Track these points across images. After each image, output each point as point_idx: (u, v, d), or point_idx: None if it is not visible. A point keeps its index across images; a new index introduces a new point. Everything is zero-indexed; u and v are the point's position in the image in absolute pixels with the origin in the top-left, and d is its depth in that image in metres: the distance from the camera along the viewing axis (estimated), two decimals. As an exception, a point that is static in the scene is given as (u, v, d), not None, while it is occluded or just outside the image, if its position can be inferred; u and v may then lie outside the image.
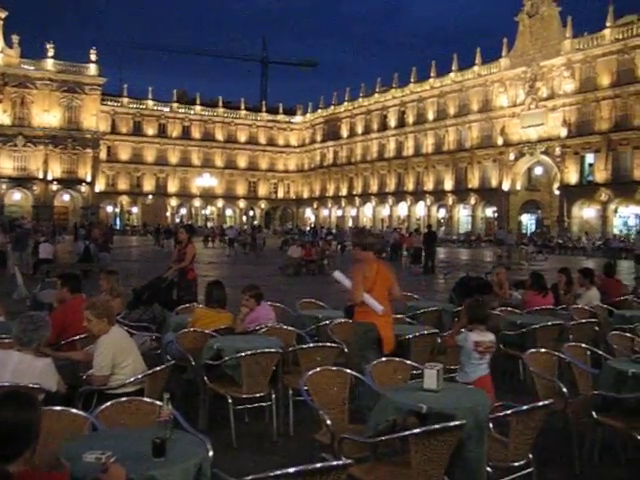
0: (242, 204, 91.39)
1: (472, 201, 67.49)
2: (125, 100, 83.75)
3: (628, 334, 7.36)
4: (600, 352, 7.08)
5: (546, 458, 5.50)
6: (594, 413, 5.48)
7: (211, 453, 3.73)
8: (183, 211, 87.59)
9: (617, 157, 54.47)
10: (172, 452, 3.37)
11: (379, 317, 6.54)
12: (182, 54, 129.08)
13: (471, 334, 5.56)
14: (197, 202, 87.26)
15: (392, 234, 42.22)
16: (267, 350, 6.23)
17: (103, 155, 80.00)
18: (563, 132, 57.47)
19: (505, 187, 63.17)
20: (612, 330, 8.05)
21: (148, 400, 4.44)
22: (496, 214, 65.58)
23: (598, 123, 55.45)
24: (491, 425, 4.72)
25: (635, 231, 35.73)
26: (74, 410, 4.17)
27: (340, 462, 3.28)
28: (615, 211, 56.25)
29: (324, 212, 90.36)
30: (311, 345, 6.74)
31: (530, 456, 4.68)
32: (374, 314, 6.52)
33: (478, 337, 5.52)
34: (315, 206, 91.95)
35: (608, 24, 55.07)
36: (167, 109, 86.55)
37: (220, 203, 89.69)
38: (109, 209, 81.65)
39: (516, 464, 4.62)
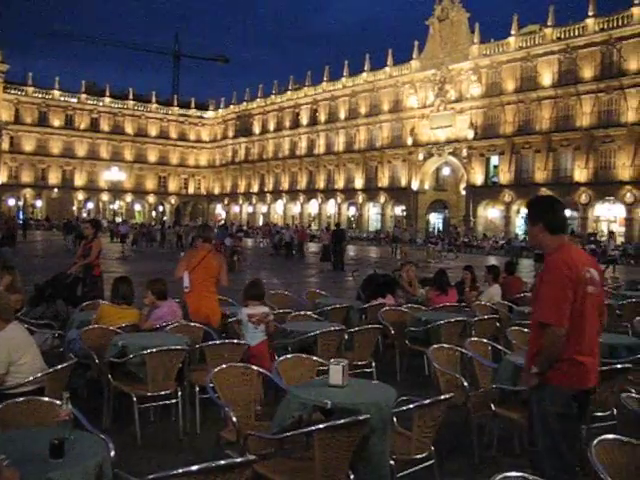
0: (152, 199, 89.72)
1: (382, 200, 68.58)
2: (30, 89, 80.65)
3: (526, 329, 7.65)
4: (500, 347, 7.35)
5: (447, 450, 5.67)
6: (493, 406, 5.68)
7: (113, 453, 3.65)
8: (90, 205, 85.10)
9: (520, 160, 56.55)
10: (71, 453, 3.27)
11: (189, 293, 8.11)
12: (92, 44, 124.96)
13: (245, 309, 6.96)
14: (105, 196, 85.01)
15: (287, 231, 43.03)
16: (173, 347, 6.15)
17: (5, 146, 76.81)
18: (470, 134, 59.19)
19: (414, 186, 64.50)
20: (512, 325, 8.35)
21: (46, 399, 4.29)
22: (405, 213, 66.88)
23: (503, 126, 57.40)
24: (395, 419, 4.83)
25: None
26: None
27: (243, 459, 3.27)
28: (517, 212, 58.37)
29: (235, 208, 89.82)
30: (217, 342, 6.69)
31: (432, 448, 4.80)
32: (186, 291, 8.13)
33: (251, 311, 6.87)
34: (226, 202, 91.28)
35: (513, 32, 57.07)
36: (75, 100, 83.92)
37: (129, 198, 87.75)
38: (11, 202, 78.36)
39: (418, 456, 4.73)
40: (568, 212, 53.89)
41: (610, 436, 3.68)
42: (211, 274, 8.16)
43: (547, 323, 4.06)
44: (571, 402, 4.14)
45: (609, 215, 52.18)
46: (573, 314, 4.06)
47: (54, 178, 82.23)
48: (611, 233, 32.24)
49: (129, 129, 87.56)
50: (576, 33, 52.37)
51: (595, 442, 3.54)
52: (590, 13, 51.33)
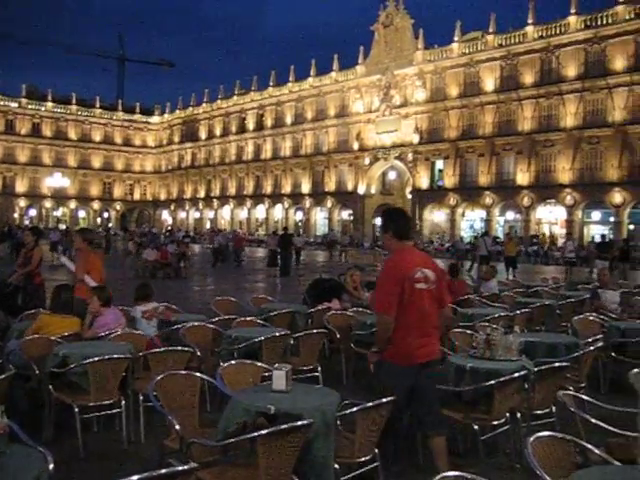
0: (96, 205, 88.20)
1: (329, 204, 68.81)
2: (-34, 94, 78.57)
3: (468, 331, 7.79)
4: (443, 349, 7.45)
5: (392, 452, 5.71)
6: (436, 407, 5.76)
7: (52, 466, 3.58)
8: (32, 212, 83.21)
9: (464, 164, 57.48)
10: (7, 467, 3.21)
11: (88, 290, 8.34)
12: (32, 46, 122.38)
13: (138, 307, 8.06)
14: (48, 203, 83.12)
15: (219, 236, 40.21)
16: (115, 356, 6.07)
17: (-58, 152, 74.64)
18: (415, 139, 59.88)
19: (360, 191, 64.91)
20: (455, 328, 8.49)
21: (-18, 413, 4.18)
22: (352, 217, 67.26)
23: (447, 131, 58.26)
24: (339, 423, 4.86)
25: (480, 234, 37.78)
26: None
27: (185, 467, 3.25)
28: (462, 215, 59.33)
29: (181, 214, 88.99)
30: (162, 350, 6.62)
31: (376, 451, 4.85)
32: (87, 289, 8.37)
33: (144, 308, 8.01)
34: (172, 208, 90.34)
35: (456, 39, 58.04)
36: (15, 104, 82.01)
37: (73, 204, 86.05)
38: (-52, 209, 76.14)
39: (362, 459, 4.77)
40: (511, 215, 55.15)
41: (545, 433, 3.78)
42: (100, 272, 9.24)
43: (377, 311, 5.21)
44: (403, 374, 5.04)
45: (550, 217, 53.49)
46: (402, 305, 4.94)
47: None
48: (569, 235, 32.62)
49: (72, 134, 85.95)
50: (516, 40, 53.58)
51: (531, 439, 3.63)
52: (530, 21, 52.58)
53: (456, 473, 3.19)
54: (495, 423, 5.72)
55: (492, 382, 5.52)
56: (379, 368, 5.22)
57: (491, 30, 55.36)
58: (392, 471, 5.15)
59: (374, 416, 4.69)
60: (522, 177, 52.88)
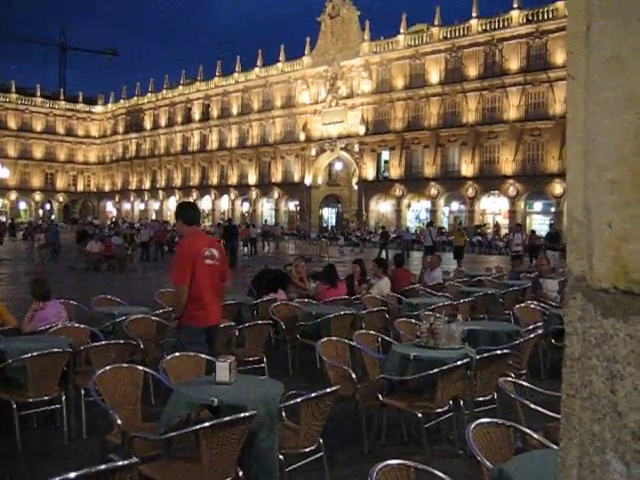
0: (38, 197, 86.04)
1: (275, 195, 68.66)
2: None
3: (413, 320, 7.86)
4: (388, 338, 7.52)
5: (337, 441, 5.75)
6: (380, 396, 5.81)
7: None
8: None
9: (410, 155, 58.01)
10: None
11: None
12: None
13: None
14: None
15: (146, 229, 36.37)
16: (55, 350, 5.92)
17: None
18: (361, 130, 60.15)
19: (307, 181, 64.93)
20: (401, 317, 8.57)
21: None
22: (298, 208, 67.26)
23: (393, 122, 58.67)
24: (284, 413, 4.85)
25: (425, 224, 38.22)
26: None
27: (125, 462, 3.19)
28: (408, 206, 59.91)
29: (126, 205, 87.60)
30: (103, 343, 6.50)
31: (320, 440, 4.85)
32: None
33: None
34: (117, 199, 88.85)
35: (402, 31, 58.42)
36: (-50, 93, 79.41)
37: (13, 196, 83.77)
38: None
39: (307, 449, 4.77)
40: (456, 205, 55.95)
41: (486, 420, 3.84)
42: None
43: (175, 282, 6.23)
44: (199, 334, 6.12)
45: (494, 208, 54.45)
46: (194, 277, 6.03)
47: None
48: (518, 226, 32.23)
49: (12, 124, 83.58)
50: (461, 33, 54.27)
51: (472, 425, 3.69)
52: (474, 14, 53.25)
53: (399, 461, 3.22)
54: (439, 411, 5.78)
55: (436, 370, 5.59)
56: (179, 331, 6.35)
57: (436, 23, 55.89)
58: (338, 460, 5.18)
59: (319, 406, 4.68)
60: (467, 168, 53.67)
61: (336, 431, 5.83)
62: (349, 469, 5.51)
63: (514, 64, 50.80)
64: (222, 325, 7.42)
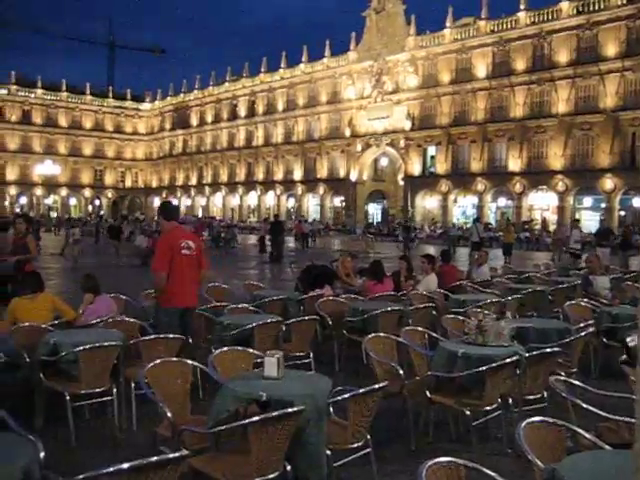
0: (88, 193, 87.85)
1: (321, 191, 68.76)
2: (-46, 81, 77.93)
3: (461, 317, 7.79)
4: (435, 335, 7.45)
5: (384, 438, 5.73)
6: (428, 393, 5.76)
7: (42, 454, 3.56)
8: (23, 200, 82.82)
9: (456, 150, 57.48)
10: (-3, 455, 3.18)
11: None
12: (21, 33, 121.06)
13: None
14: (39, 191, 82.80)
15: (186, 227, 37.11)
16: (106, 343, 6.03)
17: None
18: (407, 125, 59.79)
19: (352, 177, 64.84)
20: (447, 313, 8.49)
21: (-29, 401, 4.16)
22: (344, 203, 67.24)
23: (439, 117, 58.19)
24: (332, 409, 4.86)
25: (471, 220, 37.82)
26: None
27: (176, 454, 3.24)
28: (455, 201, 59.39)
29: (173, 201, 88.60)
30: (153, 337, 6.59)
31: (368, 437, 4.84)
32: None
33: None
34: (164, 195, 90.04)
35: (448, 24, 57.86)
36: (4, 91, 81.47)
37: (64, 192, 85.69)
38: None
39: (355, 445, 4.76)
40: (503, 201, 55.21)
41: (537, 418, 3.78)
42: None
43: (154, 269, 7.10)
44: (172, 315, 7.06)
45: (542, 204, 53.59)
46: (173, 265, 6.98)
47: (-16, 173, 79.73)
48: (576, 221, 31.04)
49: (63, 121, 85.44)
50: (509, 26, 53.48)
51: (523, 424, 3.63)
52: (522, 7, 52.43)
53: (448, 459, 3.19)
54: (487, 409, 5.72)
55: (484, 368, 5.52)
56: (157, 312, 7.30)
57: (483, 16, 55.21)
58: (385, 457, 5.16)
59: (366, 402, 4.68)
60: (514, 163, 52.93)
61: (383, 427, 5.81)
62: (396, 466, 5.49)
63: (563, 57, 49.86)
64: (269, 321, 7.52)
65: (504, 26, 53.85)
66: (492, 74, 54.33)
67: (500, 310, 8.46)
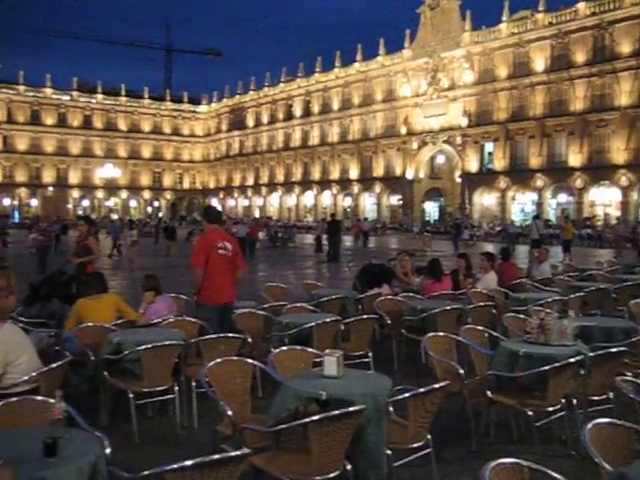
0: (147, 195, 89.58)
1: (377, 189, 68.55)
2: (21, 88, 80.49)
3: (521, 316, 7.65)
4: (496, 334, 7.34)
5: (444, 438, 5.67)
6: (489, 392, 5.68)
7: (108, 450, 3.65)
8: (85, 203, 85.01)
9: (514, 146, 56.53)
10: (65, 451, 3.25)
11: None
12: (81, 40, 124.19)
13: None
14: (100, 193, 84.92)
15: (242, 226, 34.92)
16: (168, 342, 6.14)
17: (-2, 145, 76.69)
18: (464, 122, 59.11)
19: (409, 175, 64.45)
20: (508, 312, 8.35)
21: (40, 398, 4.28)
22: (401, 202, 66.89)
23: (496, 113, 57.33)
24: (391, 409, 4.83)
25: (531, 217, 37.14)
26: (-40, 413, 3.97)
27: (238, 452, 3.27)
28: (513, 198, 58.42)
29: (230, 202, 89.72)
30: (213, 336, 6.67)
31: (428, 437, 4.80)
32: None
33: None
34: (221, 196, 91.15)
35: (504, 18, 56.93)
36: (67, 98, 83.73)
37: (124, 194, 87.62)
38: (6, 202, 78.33)
39: (415, 445, 4.72)
40: (563, 197, 53.99)
41: (604, 420, 3.69)
42: None
43: (191, 265, 7.66)
44: (212, 311, 7.53)
45: (604, 199, 52.23)
46: (209, 263, 7.49)
47: (48, 176, 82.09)
48: None
49: (122, 125, 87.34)
50: (567, 18, 52.29)
51: (589, 426, 3.54)
52: (581, -3, 51.26)
53: (512, 460, 3.13)
54: (550, 409, 5.60)
55: (547, 367, 5.41)
56: (198, 308, 7.83)
57: (541, 8, 54.16)
58: (445, 457, 5.11)
59: (426, 402, 4.64)
60: (575, 158, 51.75)
61: (443, 427, 5.75)
62: (457, 466, 5.43)
63: (626, 47, 48.46)
64: (327, 320, 7.52)
65: (563, 18, 52.67)
66: (551, 67, 53.22)
67: (562, 309, 8.28)
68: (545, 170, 53.74)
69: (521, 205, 58.72)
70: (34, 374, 5.12)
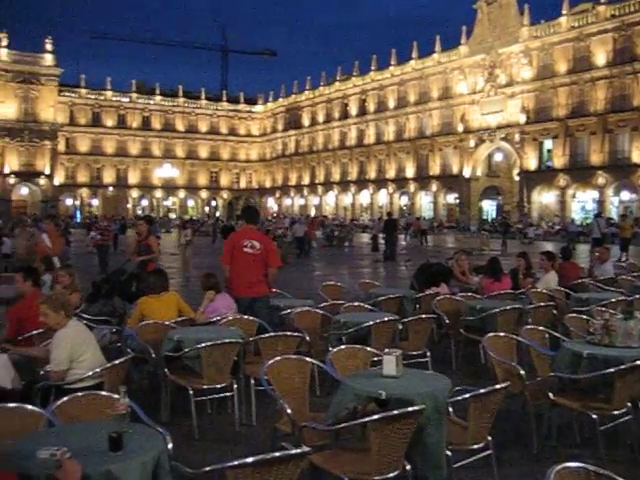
0: (204, 194, 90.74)
1: (434, 188, 67.96)
2: (83, 91, 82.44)
3: (584, 316, 7.48)
4: (557, 334, 7.19)
5: (505, 440, 5.59)
6: (551, 394, 5.57)
7: (170, 445, 3.71)
8: (144, 202, 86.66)
9: (574, 143, 55.27)
10: (130, 446, 3.32)
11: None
12: (140, 44, 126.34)
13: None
14: (158, 193, 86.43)
15: (300, 225, 35.02)
16: (227, 340, 6.20)
17: (62, 147, 78.72)
18: (522, 118, 58.10)
19: (466, 173, 63.71)
20: (569, 312, 8.18)
21: (105, 394, 4.38)
22: (458, 200, 66.19)
23: (556, 109, 56.16)
24: (451, 409, 4.78)
25: (592, 215, 36.28)
26: (29, 406, 4.09)
27: (298, 450, 3.28)
28: (573, 196, 57.15)
29: (286, 201, 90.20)
30: (272, 334, 6.72)
31: (489, 438, 4.73)
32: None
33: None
34: (277, 195, 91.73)
35: (564, 12, 55.71)
36: (126, 99, 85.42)
37: (182, 194, 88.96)
38: (69, 202, 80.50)
39: (475, 446, 4.66)
40: (627, 195, 52.44)
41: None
42: None
43: (220, 261, 8.39)
44: (239, 304, 7.99)
45: (669, 196, 50.66)
46: (234, 260, 8.17)
47: (109, 177, 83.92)
48: None
49: (180, 126, 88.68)
50: (631, 9, 50.76)
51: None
52: (645, -12, 49.77)
53: (578, 464, 3.06)
54: (615, 413, 5.45)
55: (612, 369, 5.27)
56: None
57: (602, 1, 52.76)
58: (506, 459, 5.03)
59: (487, 403, 4.57)
60: (638, 155, 50.30)
61: (504, 429, 5.66)
62: (517, 469, 5.34)
63: (694, 39, 46.85)
64: (386, 319, 7.49)
65: (626, 10, 51.15)
66: (613, 62, 51.83)
67: (626, 309, 8.06)
68: (607, 167, 52.37)
69: (581, 203, 57.40)
70: (98, 370, 5.25)
